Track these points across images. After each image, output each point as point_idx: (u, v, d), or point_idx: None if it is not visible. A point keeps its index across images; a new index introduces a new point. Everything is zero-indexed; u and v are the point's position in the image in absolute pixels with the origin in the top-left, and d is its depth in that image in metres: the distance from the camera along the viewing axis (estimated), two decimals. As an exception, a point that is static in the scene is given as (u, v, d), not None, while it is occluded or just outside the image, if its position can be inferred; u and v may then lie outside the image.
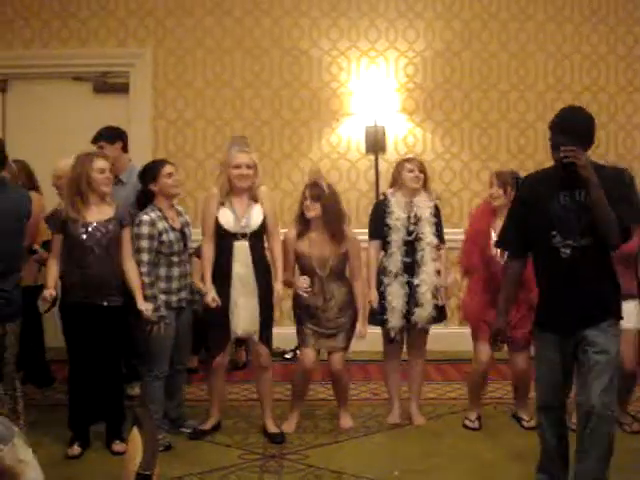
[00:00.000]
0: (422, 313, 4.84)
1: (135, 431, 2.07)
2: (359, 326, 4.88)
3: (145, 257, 4.50)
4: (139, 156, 6.50)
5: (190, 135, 7.02)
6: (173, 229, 4.61)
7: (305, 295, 4.73)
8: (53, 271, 4.45)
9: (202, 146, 7.02)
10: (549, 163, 7.08)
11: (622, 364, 4.64)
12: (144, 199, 4.72)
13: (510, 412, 5.11)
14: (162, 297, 4.52)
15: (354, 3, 7.02)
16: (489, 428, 4.93)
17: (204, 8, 6.97)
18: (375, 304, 4.86)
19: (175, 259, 4.61)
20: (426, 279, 4.83)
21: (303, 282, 4.74)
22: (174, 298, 4.61)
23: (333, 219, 4.78)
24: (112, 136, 5.46)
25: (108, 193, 4.52)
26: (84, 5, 6.93)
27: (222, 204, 4.66)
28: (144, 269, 4.49)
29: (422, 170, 4.94)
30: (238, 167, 4.64)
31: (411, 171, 4.91)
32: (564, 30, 7.10)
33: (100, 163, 4.47)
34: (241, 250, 4.62)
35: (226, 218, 4.63)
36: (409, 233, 4.85)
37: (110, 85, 7.03)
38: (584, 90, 7.12)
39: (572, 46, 7.11)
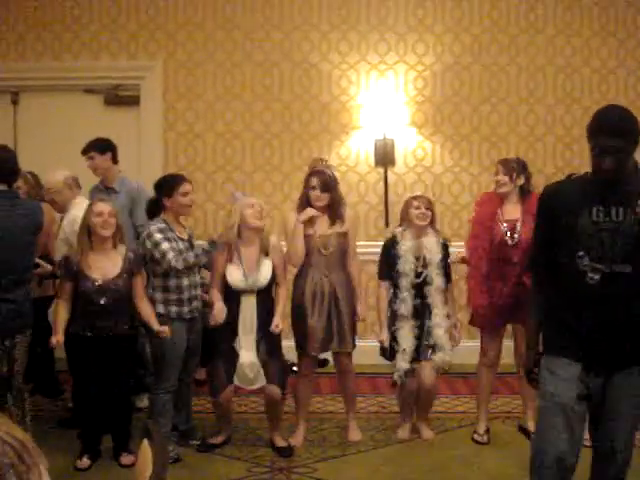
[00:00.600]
0: (443, 357, 4.86)
1: (145, 443, 2.07)
2: (359, 309, 4.90)
3: (170, 253, 4.48)
4: (149, 169, 6.56)
5: (200, 148, 7.05)
6: (181, 239, 4.63)
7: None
8: (62, 316, 4.43)
9: (212, 159, 7.05)
10: (558, 177, 7.13)
11: None
12: (155, 209, 4.73)
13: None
14: (174, 309, 4.54)
15: (364, 17, 7.05)
16: (498, 442, 4.92)
17: (214, 22, 7.01)
18: (386, 344, 4.87)
19: (184, 270, 4.62)
20: (440, 322, 4.85)
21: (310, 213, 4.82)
22: (186, 309, 4.62)
23: (337, 207, 4.87)
24: (102, 147, 5.52)
25: (108, 237, 4.46)
26: (95, 18, 6.98)
27: (231, 259, 4.68)
28: (174, 261, 4.47)
29: (429, 207, 4.93)
30: (252, 207, 4.69)
31: (417, 208, 4.91)
32: (573, 44, 7.11)
33: (99, 206, 4.46)
34: (248, 305, 4.69)
35: (234, 276, 4.66)
36: (417, 275, 4.86)
37: (121, 98, 7.07)
38: (593, 104, 7.10)
39: (581, 60, 7.11)
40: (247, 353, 4.64)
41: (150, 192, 4.99)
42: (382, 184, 6.97)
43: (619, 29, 7.11)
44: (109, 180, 5.55)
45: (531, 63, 7.10)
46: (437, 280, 4.85)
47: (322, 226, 4.85)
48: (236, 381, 4.63)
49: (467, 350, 5.05)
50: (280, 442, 4.75)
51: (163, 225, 4.60)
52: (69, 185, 5.05)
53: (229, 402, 4.72)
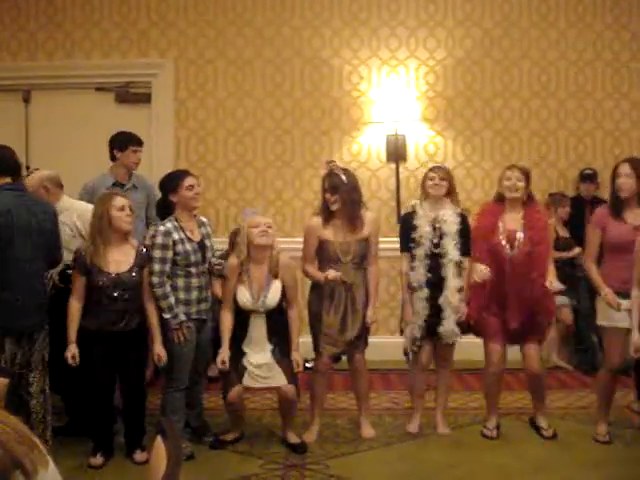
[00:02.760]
0: (444, 329, 4.84)
1: (159, 441, 2.07)
2: (369, 312, 4.88)
3: (156, 267, 4.44)
4: (161, 166, 6.56)
5: (211, 144, 7.06)
6: (190, 240, 4.57)
7: (337, 280, 4.73)
8: (76, 315, 4.42)
9: (223, 155, 7.05)
10: (571, 171, 7.11)
11: (609, 359, 4.67)
12: (164, 208, 4.71)
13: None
14: (182, 308, 4.53)
15: (375, 12, 7.04)
16: (510, 438, 4.90)
17: (225, 18, 7.01)
18: (408, 319, 4.86)
19: (193, 270, 4.57)
20: (448, 296, 4.82)
21: (334, 274, 4.74)
22: (194, 309, 4.58)
23: (352, 208, 4.81)
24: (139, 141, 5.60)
25: (130, 231, 4.51)
26: (106, 16, 7.00)
27: (240, 279, 4.66)
28: (155, 279, 4.44)
29: (444, 178, 4.91)
30: (257, 226, 4.65)
31: (431, 179, 4.90)
32: (586, 37, 7.07)
33: (119, 201, 4.46)
34: (257, 325, 4.67)
35: (243, 297, 4.65)
36: (434, 246, 4.84)
37: (132, 95, 7.08)
38: (606, 97, 7.09)
39: (594, 53, 7.07)
40: (258, 355, 4.64)
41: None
42: (394, 180, 6.96)
43: (632, 22, 7.07)
44: (128, 176, 5.60)
45: (543, 57, 7.06)
46: (452, 252, 4.81)
47: (342, 232, 4.82)
48: (246, 382, 4.62)
49: (480, 346, 5.02)
50: (293, 439, 4.74)
51: (172, 225, 4.54)
52: (45, 186, 4.88)
53: (239, 401, 4.71)
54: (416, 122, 6.96)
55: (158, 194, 5.03)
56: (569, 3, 7.05)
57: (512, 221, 4.78)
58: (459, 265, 4.85)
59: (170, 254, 4.47)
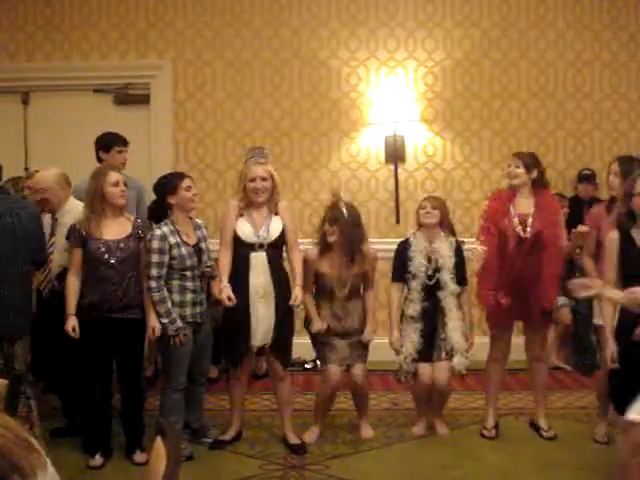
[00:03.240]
0: (462, 361, 4.84)
1: (158, 441, 2.07)
2: (366, 333, 4.89)
3: (154, 272, 4.43)
4: (160, 167, 6.55)
5: (210, 146, 7.06)
6: (186, 244, 4.55)
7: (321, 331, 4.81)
8: (74, 289, 4.43)
9: (222, 157, 7.05)
10: (569, 172, 7.11)
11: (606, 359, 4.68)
12: (157, 211, 4.72)
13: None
14: (177, 310, 4.50)
15: (373, 13, 7.04)
16: (509, 438, 4.90)
17: (223, 20, 7.01)
18: (396, 345, 4.87)
19: (188, 273, 4.55)
20: (456, 326, 4.83)
21: (320, 328, 4.80)
22: (188, 312, 4.55)
23: (351, 242, 4.77)
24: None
25: (124, 205, 4.54)
26: (104, 17, 7.00)
27: (241, 215, 4.67)
28: (153, 284, 4.43)
29: (436, 207, 4.90)
30: (253, 180, 4.63)
31: (423, 208, 4.92)
32: (584, 38, 7.08)
33: (114, 176, 4.48)
34: (258, 261, 4.62)
35: (243, 229, 4.63)
36: (429, 278, 4.85)
37: (131, 97, 7.08)
38: (604, 98, 7.10)
39: (592, 54, 7.08)
40: (262, 319, 4.61)
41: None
42: (392, 181, 6.96)
43: (630, 22, 7.08)
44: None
45: (541, 58, 7.07)
46: (450, 284, 4.84)
47: (338, 265, 4.80)
48: (255, 342, 4.62)
49: (479, 346, 5.03)
50: (293, 439, 4.74)
51: (168, 229, 4.52)
52: (61, 184, 4.89)
53: (248, 373, 4.76)
54: (415, 123, 6.96)
55: (149, 194, 5.03)
56: (567, 4, 7.06)
57: (523, 205, 4.78)
58: (457, 296, 4.88)
59: (167, 258, 4.47)
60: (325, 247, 4.83)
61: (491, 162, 7.05)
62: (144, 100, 7.04)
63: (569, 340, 6.66)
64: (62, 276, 4.69)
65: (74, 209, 4.81)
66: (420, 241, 4.90)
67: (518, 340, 5.06)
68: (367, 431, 4.95)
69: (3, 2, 7.01)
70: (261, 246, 4.62)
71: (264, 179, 4.64)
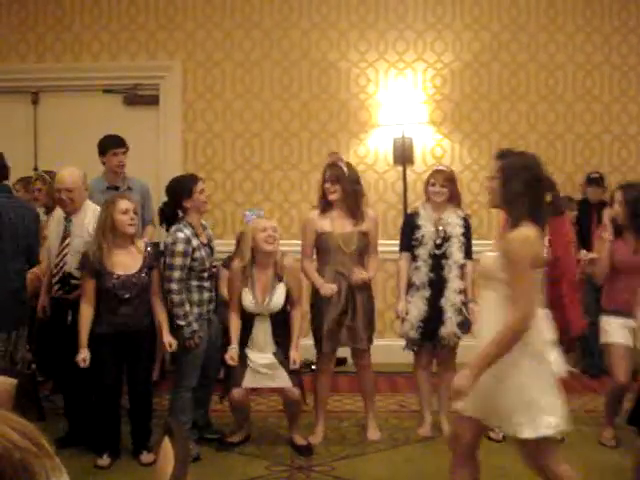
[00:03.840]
0: (445, 330, 4.85)
1: (166, 441, 2.08)
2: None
3: (177, 274, 4.49)
4: (168, 168, 6.58)
5: (219, 147, 7.07)
6: (204, 245, 4.65)
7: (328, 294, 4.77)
8: (87, 320, 4.43)
9: (231, 158, 7.06)
10: (578, 175, 7.08)
11: (615, 378, 4.69)
12: (168, 213, 4.74)
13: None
14: (196, 310, 4.57)
15: (382, 15, 7.04)
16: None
17: (233, 21, 7.03)
18: (402, 314, 4.87)
19: (205, 274, 4.67)
20: (450, 297, 4.85)
21: (329, 289, 4.76)
22: (205, 309, 4.66)
23: (352, 200, 4.82)
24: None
25: (134, 234, 4.53)
26: (114, 18, 7.02)
27: (244, 283, 4.69)
28: (174, 286, 4.48)
29: (445, 185, 4.90)
30: (264, 230, 4.65)
31: (433, 185, 4.92)
32: (593, 40, 7.06)
33: (123, 204, 4.47)
34: (261, 327, 4.70)
35: (247, 301, 4.68)
36: (437, 247, 4.85)
37: (140, 97, 7.10)
38: (613, 101, 7.08)
39: (602, 56, 7.07)
40: (261, 355, 4.66)
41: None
42: (401, 182, 6.96)
43: (639, 27, 7.05)
44: (120, 178, 5.58)
45: (551, 60, 7.05)
46: (456, 254, 4.85)
47: (341, 223, 4.84)
48: (247, 382, 4.63)
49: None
50: (300, 441, 4.75)
51: (190, 232, 4.57)
52: (85, 184, 4.89)
53: (242, 402, 4.72)
54: (423, 125, 6.96)
55: (154, 194, 5.05)
56: (577, 7, 7.04)
57: None
58: (461, 268, 4.86)
59: (189, 261, 4.52)
60: (325, 207, 4.85)
61: (500, 164, 7.02)
62: (153, 101, 7.06)
63: (577, 344, 6.64)
64: (64, 280, 4.71)
65: (92, 210, 4.81)
66: (429, 211, 4.91)
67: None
68: (374, 432, 4.96)
69: (14, 3, 7.04)
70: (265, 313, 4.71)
71: (275, 230, 4.68)
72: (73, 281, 4.69)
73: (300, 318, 4.83)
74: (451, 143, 7.05)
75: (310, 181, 6.99)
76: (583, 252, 4.78)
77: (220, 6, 7.03)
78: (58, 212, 4.93)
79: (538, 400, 3.07)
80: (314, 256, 4.96)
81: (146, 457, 4.49)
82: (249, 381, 4.64)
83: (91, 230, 4.66)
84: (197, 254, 4.56)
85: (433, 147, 7.04)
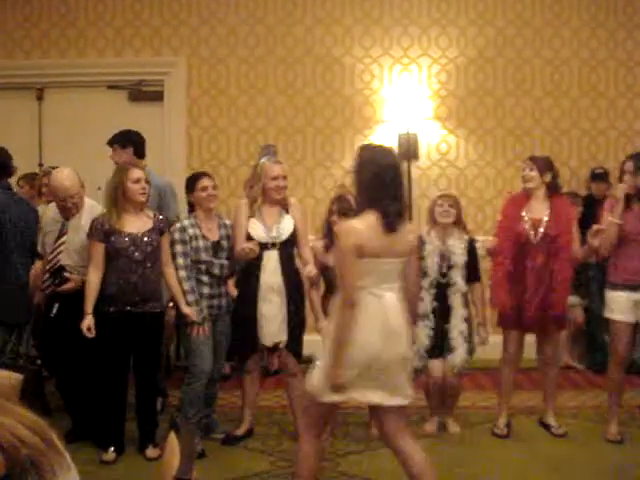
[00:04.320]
0: (455, 359, 4.86)
1: (172, 436, 2.08)
2: None
3: (181, 260, 4.58)
4: (173, 164, 6.59)
5: (224, 143, 7.07)
6: (205, 238, 4.67)
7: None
8: (94, 287, 4.42)
9: (236, 154, 7.06)
10: (583, 170, 7.07)
11: (614, 350, 4.73)
12: (190, 207, 4.97)
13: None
14: (205, 302, 4.63)
15: (387, 10, 7.03)
16: (521, 437, 4.90)
17: (237, 17, 7.02)
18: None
19: (202, 267, 4.67)
20: (457, 324, 4.85)
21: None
22: (204, 303, 4.65)
23: None
24: (124, 141, 5.49)
25: (144, 202, 4.58)
26: (119, 14, 7.02)
27: (252, 215, 4.69)
28: (182, 273, 4.58)
29: (453, 205, 4.92)
30: (275, 179, 4.68)
31: (440, 206, 4.93)
32: (599, 36, 7.04)
33: (135, 173, 4.53)
34: (270, 259, 4.65)
35: (256, 229, 4.66)
36: (442, 276, 4.86)
37: (145, 93, 7.11)
38: (619, 96, 7.06)
39: (607, 52, 7.05)
40: (272, 318, 4.62)
41: (177, 188, 5.08)
42: (406, 178, 6.94)
43: (648, 21, 7.04)
44: None
45: (556, 56, 7.04)
46: (458, 282, 4.86)
47: None
48: (264, 341, 4.64)
49: (491, 345, 5.02)
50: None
51: (189, 222, 4.69)
52: (82, 185, 4.81)
53: (259, 369, 4.80)
54: (428, 121, 6.95)
55: (173, 190, 5.10)
56: (582, 2, 7.02)
57: (537, 210, 4.80)
58: (465, 295, 4.89)
59: (189, 248, 4.61)
60: (332, 240, 4.84)
61: (505, 160, 7.03)
62: (158, 97, 7.06)
63: (581, 340, 6.64)
64: (56, 272, 4.70)
65: (89, 207, 4.81)
66: (434, 240, 4.91)
67: (530, 339, 5.05)
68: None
69: (19, -1, 7.05)
70: (273, 245, 4.65)
71: (285, 177, 4.73)
72: (65, 274, 4.67)
73: (310, 256, 4.78)
74: (456, 139, 7.04)
75: (314, 177, 6.99)
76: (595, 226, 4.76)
77: (224, 2, 7.03)
78: (52, 209, 4.90)
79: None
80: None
81: (151, 452, 4.50)
82: (265, 339, 4.65)
83: (87, 228, 4.67)
84: (193, 243, 4.63)
85: (438, 143, 7.04)
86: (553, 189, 4.87)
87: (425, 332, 4.86)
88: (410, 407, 5.40)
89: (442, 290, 4.87)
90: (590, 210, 6.52)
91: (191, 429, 2.11)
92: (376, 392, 3.32)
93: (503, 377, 4.99)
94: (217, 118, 7.07)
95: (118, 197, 4.47)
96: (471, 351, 4.93)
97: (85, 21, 7.04)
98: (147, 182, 4.59)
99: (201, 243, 4.64)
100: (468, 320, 4.92)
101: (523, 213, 4.79)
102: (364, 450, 4.69)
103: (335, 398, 3.33)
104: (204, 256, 4.65)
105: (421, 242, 4.92)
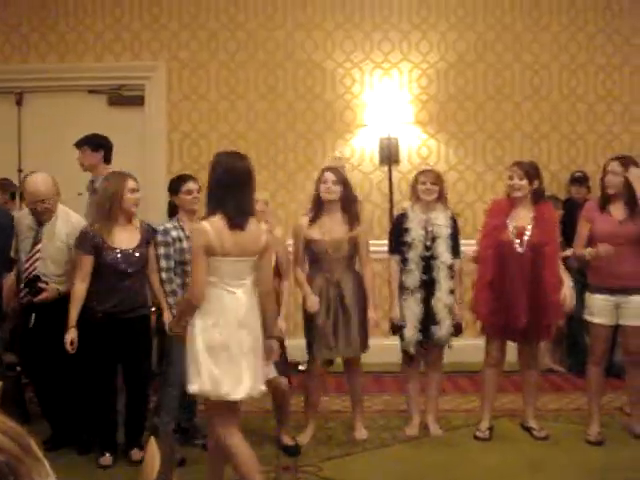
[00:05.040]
0: (440, 331, 4.85)
1: (152, 441, 2.07)
2: (370, 313, 4.87)
3: (163, 263, 4.60)
4: (154, 169, 6.57)
5: (204, 147, 7.05)
6: (189, 239, 4.65)
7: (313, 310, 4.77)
8: (80, 298, 4.39)
9: (216, 158, 7.03)
10: (563, 174, 7.11)
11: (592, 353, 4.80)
12: (171, 208, 4.92)
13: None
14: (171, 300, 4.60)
15: (368, 15, 7.05)
16: (503, 440, 4.91)
17: (218, 21, 7.01)
18: (396, 320, 4.87)
19: (188, 268, 4.63)
20: (442, 297, 4.85)
21: (314, 303, 4.76)
22: None
23: (352, 201, 4.86)
24: (96, 144, 5.48)
25: (135, 214, 4.58)
26: (99, 19, 6.99)
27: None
28: (164, 275, 4.60)
29: (435, 182, 4.92)
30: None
31: (423, 183, 4.92)
32: (578, 41, 7.09)
33: (132, 183, 4.51)
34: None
35: None
36: (426, 249, 4.85)
37: (125, 98, 7.08)
38: (598, 101, 7.11)
39: (586, 56, 7.10)
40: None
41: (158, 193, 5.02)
42: (387, 183, 6.96)
43: (624, 26, 7.10)
44: (93, 177, 5.53)
45: (536, 60, 7.09)
46: (444, 255, 4.85)
47: (329, 230, 4.82)
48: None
49: (473, 348, 5.05)
50: (287, 441, 4.73)
51: (172, 225, 4.69)
52: (57, 190, 4.74)
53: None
54: (409, 125, 6.97)
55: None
56: (562, 7, 7.07)
57: (521, 218, 4.79)
58: (451, 268, 4.87)
59: (172, 250, 4.62)
60: (317, 212, 4.84)
61: (485, 164, 7.06)
62: (138, 101, 7.04)
63: (562, 342, 6.67)
64: (30, 283, 4.63)
65: (64, 214, 4.75)
66: (417, 213, 4.90)
67: (512, 343, 5.06)
68: (361, 432, 4.95)
69: (-3, 3, 7.01)
70: None
71: (265, 204, 4.76)
72: (40, 284, 4.60)
73: (288, 290, 4.86)
74: (437, 143, 7.06)
75: (296, 181, 6.99)
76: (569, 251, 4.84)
77: (205, 7, 7.02)
78: (25, 216, 4.83)
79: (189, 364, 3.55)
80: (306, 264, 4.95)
81: (137, 454, 4.46)
82: None
83: (63, 236, 4.63)
84: (177, 245, 4.64)
85: (419, 147, 7.06)
86: (539, 196, 4.89)
87: (416, 305, 4.84)
88: (392, 410, 5.42)
89: (427, 263, 4.85)
90: (570, 213, 6.57)
91: (169, 434, 2.09)
92: (225, 383, 3.52)
93: (486, 382, 4.99)
94: (198, 123, 7.05)
95: (113, 207, 4.44)
96: (456, 326, 4.92)
97: (65, 26, 7.00)
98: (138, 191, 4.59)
99: (185, 244, 4.63)
100: (453, 293, 4.91)
101: (508, 221, 4.79)
102: (347, 454, 4.69)
103: (206, 387, 3.52)
104: (188, 256, 4.63)
105: (404, 216, 4.94)
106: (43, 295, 4.58)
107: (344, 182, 4.84)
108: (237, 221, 3.52)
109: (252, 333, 3.59)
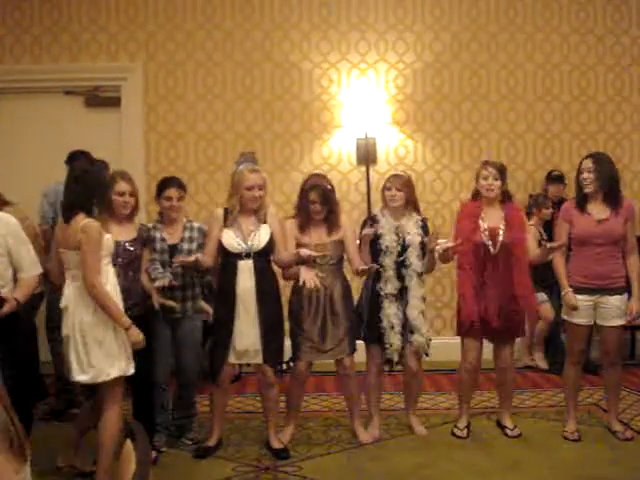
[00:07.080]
0: (419, 338, 4.87)
1: (128, 443, 2.08)
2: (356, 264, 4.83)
3: (147, 255, 4.62)
4: (131, 170, 6.46)
5: (182, 148, 7.04)
6: (162, 240, 4.70)
7: (310, 285, 4.71)
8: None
9: (194, 159, 7.04)
10: (539, 173, 7.17)
11: (569, 352, 4.83)
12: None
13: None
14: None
15: (344, 16, 7.07)
16: (482, 438, 4.94)
17: (195, 22, 7.00)
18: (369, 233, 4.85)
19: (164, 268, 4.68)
20: (416, 304, 4.86)
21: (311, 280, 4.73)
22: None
23: (333, 213, 4.84)
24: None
25: (125, 215, 4.50)
26: (75, 20, 6.95)
27: (226, 226, 4.64)
28: (149, 266, 4.61)
29: (400, 189, 4.88)
30: (250, 189, 4.60)
31: (389, 189, 4.92)
32: (553, 41, 7.16)
33: (121, 186, 4.46)
34: (245, 269, 4.58)
35: (230, 240, 4.60)
36: (399, 255, 4.86)
37: (102, 99, 7.04)
38: (573, 100, 7.18)
39: (561, 56, 7.16)
40: (247, 328, 4.56)
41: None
42: (364, 183, 6.98)
43: (597, 26, 7.17)
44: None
45: (510, 60, 7.14)
46: (415, 263, 4.85)
47: (318, 234, 4.82)
48: (233, 359, 4.60)
49: (451, 347, 5.07)
50: (276, 444, 4.70)
51: (152, 224, 4.77)
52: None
53: (228, 382, 4.73)
54: (386, 125, 6.99)
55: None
56: (536, 7, 7.13)
57: (492, 219, 4.81)
58: (421, 275, 4.90)
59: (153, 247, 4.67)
60: (305, 221, 4.83)
61: (462, 164, 7.10)
62: (115, 102, 7.01)
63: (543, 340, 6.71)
64: None
65: (5, 221, 4.23)
66: (388, 218, 4.90)
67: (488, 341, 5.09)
68: (364, 435, 4.94)
69: (-29, 4, 6.95)
70: (248, 255, 4.60)
71: (260, 188, 4.63)
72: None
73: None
74: (414, 143, 7.09)
75: (274, 182, 6.97)
76: (549, 243, 4.84)
77: (181, 7, 7.01)
78: None
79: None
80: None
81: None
82: (237, 356, 4.60)
83: (10, 243, 4.13)
84: (153, 244, 4.68)
85: (396, 147, 7.08)
86: (507, 196, 4.92)
87: (398, 311, 4.83)
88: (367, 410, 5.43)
89: (399, 270, 4.86)
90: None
91: (146, 438, 2.09)
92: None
93: (463, 383, 5.00)
94: (175, 123, 7.04)
95: (104, 207, 4.36)
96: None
97: (40, 27, 6.96)
98: (132, 195, 4.50)
99: (158, 245, 4.67)
100: (424, 299, 4.93)
101: (480, 222, 4.81)
102: (326, 454, 4.70)
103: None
104: (158, 258, 4.67)
105: (375, 220, 4.94)
106: (5, 309, 4.00)
107: (329, 200, 4.81)
108: (63, 215, 4.03)
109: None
